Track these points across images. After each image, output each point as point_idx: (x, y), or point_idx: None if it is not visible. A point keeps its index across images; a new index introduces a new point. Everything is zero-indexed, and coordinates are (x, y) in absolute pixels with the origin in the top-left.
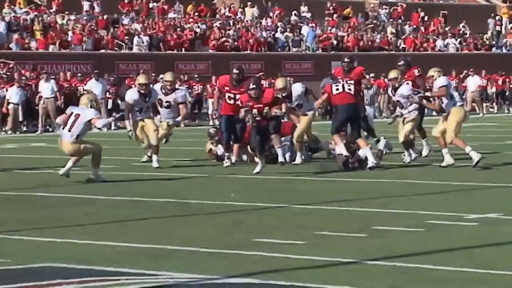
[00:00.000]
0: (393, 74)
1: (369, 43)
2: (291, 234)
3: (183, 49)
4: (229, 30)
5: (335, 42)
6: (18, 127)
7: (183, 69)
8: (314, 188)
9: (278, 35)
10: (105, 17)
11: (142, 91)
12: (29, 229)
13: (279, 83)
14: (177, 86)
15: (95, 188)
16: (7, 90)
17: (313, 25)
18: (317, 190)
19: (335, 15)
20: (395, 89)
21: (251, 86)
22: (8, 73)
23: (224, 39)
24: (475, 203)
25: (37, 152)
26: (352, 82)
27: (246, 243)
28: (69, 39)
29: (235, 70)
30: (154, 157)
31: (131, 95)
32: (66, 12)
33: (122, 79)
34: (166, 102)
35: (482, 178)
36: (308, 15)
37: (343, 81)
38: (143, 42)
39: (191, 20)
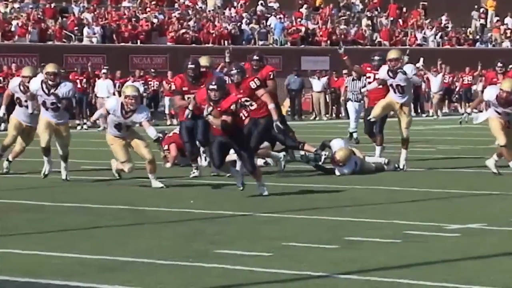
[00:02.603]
0: (394, 54)
1: (343, 36)
2: (256, 245)
3: (138, 41)
4: (189, 21)
5: (305, 35)
6: None
7: (138, 63)
8: (281, 194)
9: (243, 27)
10: (52, 5)
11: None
12: None
13: None
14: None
15: (40, 194)
16: None
17: (281, 16)
18: (285, 197)
19: (305, 6)
20: (394, 72)
21: (212, 85)
22: None
23: (183, 30)
24: (457, 212)
25: None
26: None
27: (206, 254)
28: (12, 29)
29: (190, 65)
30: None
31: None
32: (10, 0)
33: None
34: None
35: (464, 185)
36: (276, 5)
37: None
38: (94, 33)
39: (147, 9)
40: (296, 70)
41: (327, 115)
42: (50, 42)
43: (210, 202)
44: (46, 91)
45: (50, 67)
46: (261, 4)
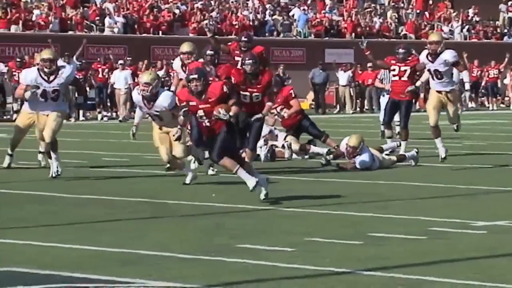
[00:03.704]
0: (435, 36)
1: (367, 28)
2: (278, 240)
3: (160, 32)
4: (211, 11)
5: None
6: None
7: (160, 54)
8: (303, 188)
9: (266, 18)
10: None
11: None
12: None
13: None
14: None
15: (59, 185)
16: None
17: (305, 7)
18: (308, 191)
19: None
20: (435, 55)
21: (192, 76)
22: None
23: (206, 21)
24: (482, 209)
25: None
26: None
27: (227, 249)
28: (33, 18)
29: (208, 51)
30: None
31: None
32: None
33: (91, 64)
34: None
35: (490, 182)
36: None
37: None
38: (115, 24)
39: (170, 0)
40: (321, 64)
41: (351, 109)
42: (71, 32)
43: (231, 196)
44: (46, 78)
45: (46, 53)
46: None
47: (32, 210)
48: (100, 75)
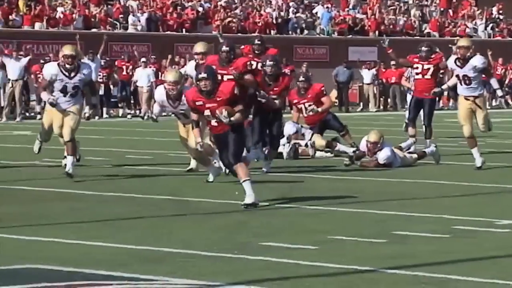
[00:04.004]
0: (464, 42)
1: (391, 26)
2: (301, 238)
3: (183, 29)
4: (235, 9)
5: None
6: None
7: (184, 52)
8: (326, 186)
9: (289, 15)
10: None
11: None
12: (10, 226)
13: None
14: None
15: (83, 183)
16: None
17: (329, 5)
18: (331, 190)
19: None
20: (464, 60)
21: (201, 75)
22: None
23: (229, 19)
24: (508, 208)
25: (20, 141)
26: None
27: (251, 247)
28: (57, 16)
29: (224, 47)
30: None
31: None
32: None
33: (115, 62)
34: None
35: None
36: None
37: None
38: (139, 21)
39: None
40: (345, 62)
41: (375, 107)
42: (94, 30)
43: (255, 194)
44: (67, 74)
45: (67, 49)
46: None
47: (57, 207)
48: (124, 72)
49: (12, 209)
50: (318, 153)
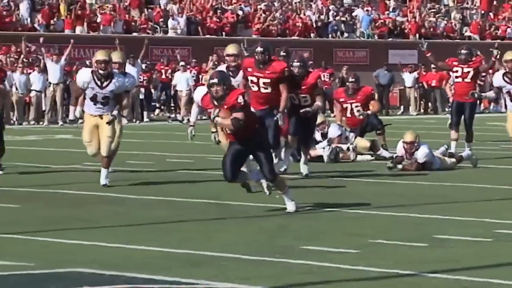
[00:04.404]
0: (511, 55)
1: (431, 29)
2: (343, 242)
3: (223, 33)
4: (275, 12)
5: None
6: (42, 117)
7: (224, 56)
8: (368, 190)
9: (329, 19)
10: None
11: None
12: (53, 230)
13: None
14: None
15: (125, 187)
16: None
17: (369, 8)
18: (372, 193)
19: None
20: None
21: (213, 80)
22: (35, 56)
23: (269, 22)
24: None
25: (62, 145)
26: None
27: (292, 250)
28: (98, 20)
29: (258, 49)
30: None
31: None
32: None
33: (155, 65)
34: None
35: None
36: None
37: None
38: (179, 25)
39: (233, 1)
40: (386, 64)
41: (415, 110)
42: (135, 34)
43: (295, 198)
44: (99, 83)
45: (101, 54)
46: None
47: (99, 211)
48: (163, 76)
49: (54, 213)
50: (359, 157)
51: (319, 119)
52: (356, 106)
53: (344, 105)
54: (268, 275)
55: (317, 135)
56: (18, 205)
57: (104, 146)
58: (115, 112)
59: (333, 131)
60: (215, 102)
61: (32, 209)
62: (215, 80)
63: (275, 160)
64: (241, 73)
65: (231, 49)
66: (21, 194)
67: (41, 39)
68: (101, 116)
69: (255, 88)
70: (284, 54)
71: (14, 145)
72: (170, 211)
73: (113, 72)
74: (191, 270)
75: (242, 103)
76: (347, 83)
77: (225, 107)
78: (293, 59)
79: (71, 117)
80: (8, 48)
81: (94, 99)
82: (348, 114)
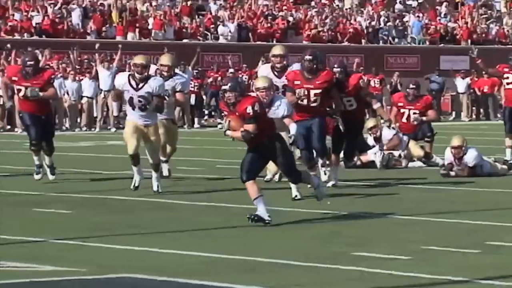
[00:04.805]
0: None
1: (483, 35)
2: (394, 248)
3: (274, 39)
4: (325, 19)
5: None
6: (94, 123)
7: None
8: (420, 197)
9: (380, 25)
10: (189, 3)
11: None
12: (105, 235)
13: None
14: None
15: (176, 192)
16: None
17: (420, 14)
18: (424, 200)
19: (444, 4)
20: None
21: (225, 86)
22: (87, 61)
23: (320, 29)
24: None
25: (113, 151)
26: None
27: (344, 256)
28: (149, 26)
29: (307, 56)
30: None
31: None
32: None
33: (205, 72)
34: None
35: None
36: (415, 3)
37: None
38: (230, 31)
39: (284, 7)
40: (437, 69)
41: (467, 116)
42: (186, 40)
43: (347, 204)
44: (134, 85)
45: (138, 58)
46: (400, 2)
47: (150, 217)
48: (213, 83)
49: (107, 219)
50: (411, 163)
51: (371, 122)
52: (414, 113)
53: (402, 110)
54: (320, 281)
55: (370, 140)
56: (70, 211)
57: (151, 157)
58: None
59: (387, 134)
60: (230, 108)
61: (84, 214)
62: (227, 87)
63: (323, 175)
64: (283, 77)
65: (277, 49)
66: (73, 200)
67: (96, 45)
68: (146, 127)
69: (304, 102)
70: (310, 57)
71: (66, 151)
72: (221, 217)
73: (150, 76)
74: (243, 276)
75: (251, 114)
76: (408, 89)
77: (237, 113)
78: (334, 65)
79: (115, 113)
80: (61, 56)
81: (131, 102)
82: (404, 120)
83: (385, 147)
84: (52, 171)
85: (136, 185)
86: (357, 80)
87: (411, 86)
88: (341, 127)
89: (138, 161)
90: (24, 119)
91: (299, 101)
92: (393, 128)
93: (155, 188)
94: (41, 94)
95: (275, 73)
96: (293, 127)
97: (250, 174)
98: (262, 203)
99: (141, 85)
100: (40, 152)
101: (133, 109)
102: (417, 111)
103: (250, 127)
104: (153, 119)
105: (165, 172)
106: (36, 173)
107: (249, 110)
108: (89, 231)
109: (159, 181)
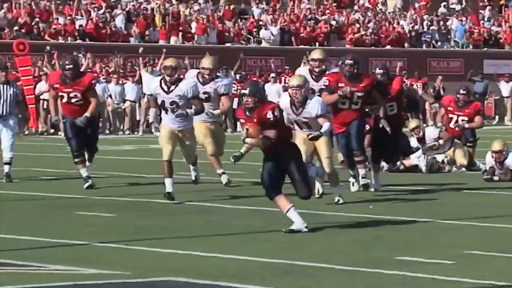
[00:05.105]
0: None
1: None
2: (437, 253)
3: (316, 43)
4: (368, 23)
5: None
6: (136, 127)
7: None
8: (463, 201)
9: (423, 29)
10: (231, 7)
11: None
12: (148, 239)
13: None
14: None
15: (219, 196)
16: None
17: (463, 18)
18: (467, 204)
19: (488, 8)
20: None
21: (244, 90)
22: (130, 65)
23: (362, 32)
24: None
25: (156, 155)
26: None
27: (386, 261)
28: (192, 30)
29: (348, 61)
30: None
31: None
32: (191, 2)
33: (248, 76)
34: (204, 93)
35: None
36: (458, 7)
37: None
38: (272, 35)
39: (327, 11)
40: (480, 73)
41: (510, 121)
42: (228, 44)
43: (389, 208)
44: (165, 89)
45: (168, 61)
46: (444, 5)
47: (192, 220)
48: None
49: (149, 222)
50: (454, 168)
51: (414, 123)
52: (463, 120)
53: (450, 115)
54: (362, 285)
55: (413, 140)
56: (113, 214)
57: (187, 157)
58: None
59: (431, 133)
60: (247, 113)
61: (127, 218)
62: (246, 91)
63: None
64: (324, 79)
65: (317, 54)
66: (116, 203)
67: (140, 49)
68: (181, 132)
69: (345, 106)
70: (351, 62)
71: (108, 155)
72: (264, 221)
73: (181, 79)
74: (285, 280)
75: (272, 119)
76: (458, 95)
77: (255, 120)
78: (376, 68)
79: (150, 119)
80: (105, 61)
81: (163, 106)
82: (451, 125)
83: (440, 141)
84: (90, 159)
85: (169, 191)
86: (400, 84)
87: (461, 91)
88: (387, 128)
89: (171, 172)
90: (67, 131)
91: (340, 104)
92: (439, 127)
93: (193, 178)
94: (88, 115)
95: (313, 76)
96: (326, 126)
97: (275, 190)
98: (295, 214)
99: (172, 87)
100: (85, 163)
101: (166, 112)
102: (465, 118)
103: (270, 132)
104: (188, 122)
105: (224, 181)
106: (85, 183)
107: (270, 115)
108: (132, 235)
109: (197, 171)
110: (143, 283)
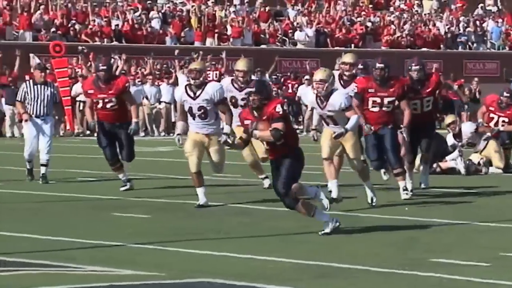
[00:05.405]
0: None
1: None
2: (473, 255)
3: (352, 45)
4: (404, 24)
5: None
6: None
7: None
8: (499, 203)
9: (460, 30)
10: (267, 9)
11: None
12: (184, 240)
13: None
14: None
15: (254, 198)
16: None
17: (499, 20)
18: (504, 206)
19: None
20: None
21: (254, 88)
22: (165, 66)
23: (398, 34)
24: None
25: None
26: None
27: (422, 263)
28: (228, 32)
29: (378, 64)
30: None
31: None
32: (227, 3)
33: (282, 78)
34: (243, 99)
35: None
36: (494, 8)
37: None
38: (307, 37)
39: (363, 13)
40: None
41: None
42: (263, 46)
43: (425, 210)
44: (192, 95)
45: (193, 64)
46: (480, 7)
47: (227, 222)
48: (289, 90)
49: (185, 224)
50: (491, 169)
51: (450, 119)
52: (503, 122)
53: (491, 115)
54: (398, 287)
55: (449, 138)
56: (149, 216)
57: (215, 167)
58: (222, 138)
59: (467, 130)
60: (255, 113)
61: (162, 219)
62: (253, 89)
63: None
64: (352, 85)
65: (348, 57)
66: (151, 205)
67: (176, 51)
68: (208, 136)
69: (376, 109)
70: (382, 66)
71: (144, 156)
72: (299, 223)
73: (206, 82)
74: (320, 282)
75: (280, 113)
76: (502, 97)
77: (264, 117)
78: (411, 63)
79: (178, 131)
80: (141, 63)
81: (190, 112)
82: (491, 124)
83: (480, 129)
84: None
85: (201, 203)
86: (438, 77)
87: (505, 94)
88: (405, 136)
89: (201, 182)
90: (100, 140)
91: (371, 107)
92: (478, 123)
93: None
94: (136, 120)
95: (341, 82)
96: (354, 119)
97: (289, 186)
98: (321, 214)
99: (198, 92)
100: (122, 168)
101: (194, 118)
102: (506, 120)
103: (279, 125)
104: (217, 127)
105: (266, 185)
106: (124, 186)
107: (278, 108)
108: (167, 236)
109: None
110: (179, 284)
